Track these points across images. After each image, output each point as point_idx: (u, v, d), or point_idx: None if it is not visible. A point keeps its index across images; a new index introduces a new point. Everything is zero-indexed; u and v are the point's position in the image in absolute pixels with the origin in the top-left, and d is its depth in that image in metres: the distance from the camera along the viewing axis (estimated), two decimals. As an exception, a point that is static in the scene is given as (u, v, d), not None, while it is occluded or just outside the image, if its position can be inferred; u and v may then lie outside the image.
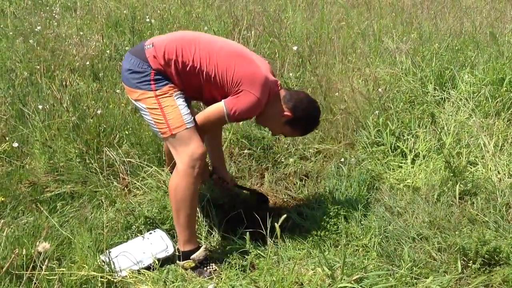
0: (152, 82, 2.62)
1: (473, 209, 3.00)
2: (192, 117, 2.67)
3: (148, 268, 2.60)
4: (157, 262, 2.59)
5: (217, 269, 2.71)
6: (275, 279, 2.40)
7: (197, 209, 2.84)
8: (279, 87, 2.83)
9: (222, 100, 2.66)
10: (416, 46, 5.17)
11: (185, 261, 2.68)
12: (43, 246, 2.16)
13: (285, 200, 3.45)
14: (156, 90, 2.62)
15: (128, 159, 3.43)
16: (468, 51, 5.11)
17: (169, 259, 2.69)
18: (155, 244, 2.72)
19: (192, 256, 2.67)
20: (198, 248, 2.70)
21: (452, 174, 3.26)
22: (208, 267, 2.70)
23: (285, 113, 2.80)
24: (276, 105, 2.80)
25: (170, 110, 2.61)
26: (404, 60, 4.78)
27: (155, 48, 2.65)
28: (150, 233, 2.81)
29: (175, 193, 2.61)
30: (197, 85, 2.71)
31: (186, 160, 2.58)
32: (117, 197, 3.19)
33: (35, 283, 2.29)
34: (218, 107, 2.67)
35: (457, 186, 3.13)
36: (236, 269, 2.64)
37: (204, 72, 2.65)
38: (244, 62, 2.68)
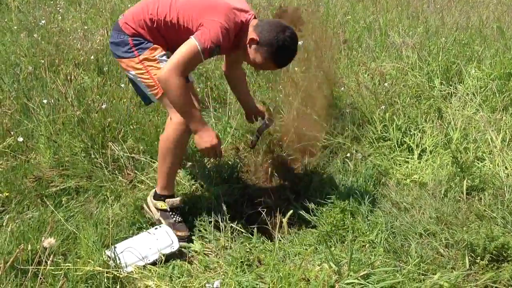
0: (133, 49, 2.76)
1: (481, 204, 2.98)
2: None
3: (153, 263, 2.59)
4: (162, 258, 2.58)
5: (183, 224, 2.88)
6: (281, 275, 2.39)
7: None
8: (253, 18, 2.76)
9: (190, 37, 2.61)
10: (423, 40, 5.15)
11: (158, 201, 2.91)
12: (48, 241, 2.15)
13: (291, 195, 3.43)
14: (139, 55, 2.75)
15: (132, 154, 3.42)
16: (475, 45, 5.09)
17: (174, 255, 2.68)
18: (160, 240, 2.71)
19: (167, 200, 2.88)
20: (174, 196, 2.92)
21: (459, 170, 3.24)
22: (175, 217, 2.90)
23: (251, 36, 2.68)
24: (246, 34, 2.72)
25: (156, 71, 2.70)
26: (411, 54, 4.76)
27: (125, 16, 2.83)
28: (156, 228, 2.80)
29: (166, 142, 2.77)
30: (172, 38, 2.76)
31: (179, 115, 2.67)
32: (122, 192, 3.18)
33: (40, 278, 2.28)
34: (190, 43, 2.58)
35: (465, 181, 3.10)
36: (242, 264, 2.62)
37: (171, 22, 2.70)
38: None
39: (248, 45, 2.70)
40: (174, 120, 2.72)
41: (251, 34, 2.67)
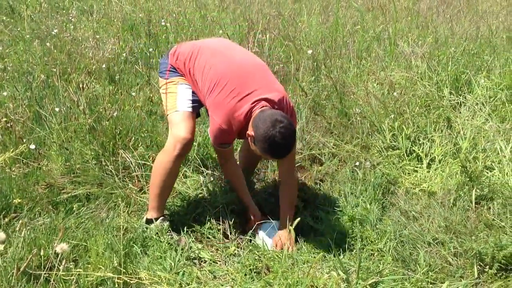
0: (167, 72, 3.03)
1: (490, 214, 2.98)
2: (190, 105, 2.92)
3: None
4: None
5: (182, 237, 2.87)
6: (290, 282, 2.40)
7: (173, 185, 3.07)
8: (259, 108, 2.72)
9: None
10: (432, 50, 5.15)
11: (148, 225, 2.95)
12: (61, 246, 2.17)
13: (300, 203, 3.44)
14: (168, 78, 3.02)
15: (143, 162, 3.45)
16: (484, 55, 5.08)
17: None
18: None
19: (155, 224, 2.90)
20: (162, 217, 2.96)
21: (468, 179, 3.24)
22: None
23: (249, 132, 2.70)
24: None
25: (170, 96, 2.96)
26: (420, 64, 4.76)
27: (175, 48, 3.08)
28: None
29: (155, 166, 2.91)
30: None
31: (170, 139, 2.84)
32: (132, 199, 3.21)
33: (52, 283, 2.31)
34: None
35: (474, 190, 3.10)
36: (251, 272, 2.64)
37: (199, 85, 2.90)
38: (226, 86, 2.73)
39: (248, 138, 2.73)
40: (166, 144, 2.88)
41: (249, 128, 2.69)
